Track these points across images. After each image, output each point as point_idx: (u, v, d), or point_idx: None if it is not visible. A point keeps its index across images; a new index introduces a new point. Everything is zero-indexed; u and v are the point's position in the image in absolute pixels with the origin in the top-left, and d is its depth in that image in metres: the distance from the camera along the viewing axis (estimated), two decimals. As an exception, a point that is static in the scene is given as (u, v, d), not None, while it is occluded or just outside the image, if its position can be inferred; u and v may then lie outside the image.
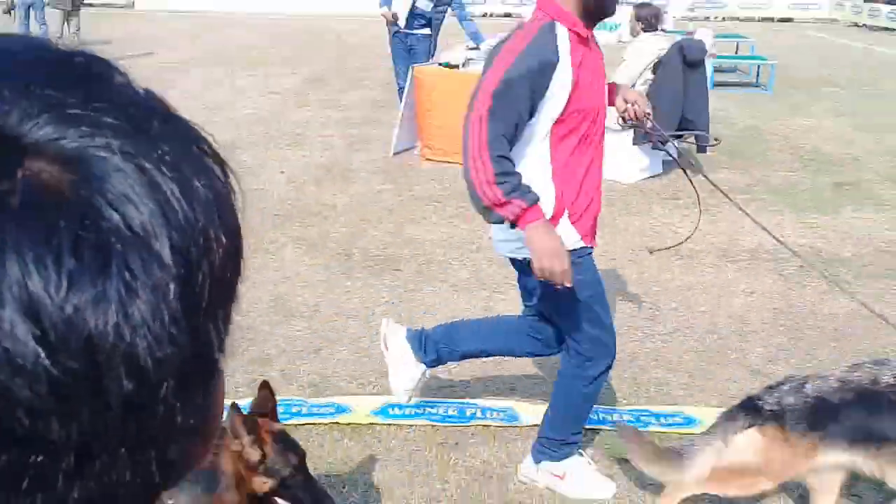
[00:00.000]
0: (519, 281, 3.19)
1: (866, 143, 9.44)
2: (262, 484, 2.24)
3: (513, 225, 2.74)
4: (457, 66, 8.21)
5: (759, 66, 14.13)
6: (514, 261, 3.08)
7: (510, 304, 4.93)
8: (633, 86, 7.61)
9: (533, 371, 4.13)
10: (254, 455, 2.21)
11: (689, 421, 3.67)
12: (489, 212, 2.75)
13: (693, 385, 4.05)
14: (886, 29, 26.55)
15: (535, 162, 2.85)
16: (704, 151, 8.05)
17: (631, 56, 7.70)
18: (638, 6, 8.27)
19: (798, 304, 5.01)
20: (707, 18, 27.41)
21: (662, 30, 12.15)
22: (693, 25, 14.99)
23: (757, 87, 13.75)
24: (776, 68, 13.57)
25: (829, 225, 6.56)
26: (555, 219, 2.87)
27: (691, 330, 4.65)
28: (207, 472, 2.21)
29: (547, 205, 2.83)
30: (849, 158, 8.78)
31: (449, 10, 8.94)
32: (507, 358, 4.26)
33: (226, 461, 2.22)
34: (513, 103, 2.70)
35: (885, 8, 28.28)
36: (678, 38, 8.57)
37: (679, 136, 8.01)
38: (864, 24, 28.38)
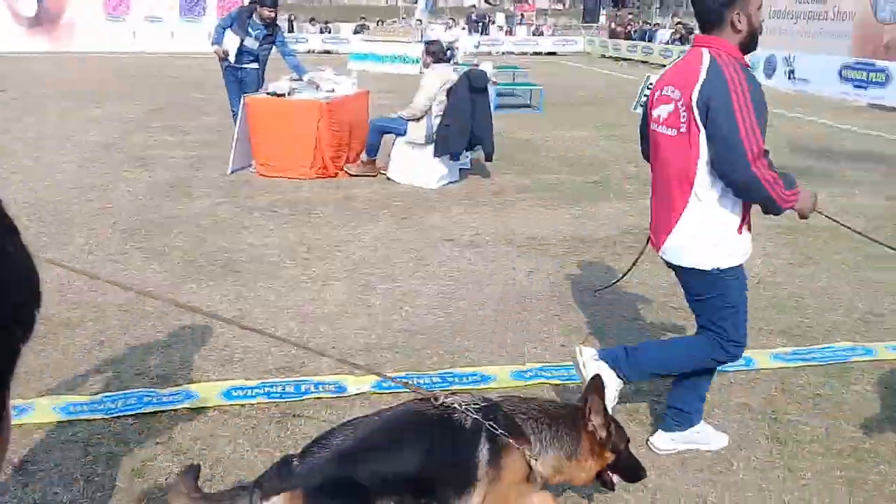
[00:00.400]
0: (686, 288, 3.01)
1: (612, 149, 10.01)
2: (608, 458, 2.39)
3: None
4: (283, 95, 8.01)
5: (531, 91, 14.71)
6: (683, 269, 2.93)
7: (337, 295, 4.85)
8: (430, 107, 7.70)
9: (357, 350, 4.08)
10: (602, 432, 2.35)
11: (485, 378, 3.74)
12: (780, 208, 2.75)
13: (486, 349, 4.12)
14: (627, 59, 28.31)
15: None
16: (491, 160, 8.26)
17: (426, 82, 7.77)
18: (427, 43, 8.43)
19: (568, 278, 5.23)
20: (489, 53, 28.20)
21: (455, 63, 12.41)
22: (478, 59, 15.36)
23: (530, 107, 14.29)
24: (544, 92, 14.17)
25: (587, 214, 6.91)
26: (740, 229, 2.84)
27: (485, 303, 4.74)
28: (572, 442, 2.33)
29: (736, 218, 2.82)
30: (599, 162, 9.29)
31: (274, 47, 8.71)
32: (334, 340, 4.19)
33: (583, 437, 2.34)
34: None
35: (624, 43, 30.21)
36: (466, 69, 8.72)
37: (471, 149, 8.19)
38: (609, 56, 30.16)
